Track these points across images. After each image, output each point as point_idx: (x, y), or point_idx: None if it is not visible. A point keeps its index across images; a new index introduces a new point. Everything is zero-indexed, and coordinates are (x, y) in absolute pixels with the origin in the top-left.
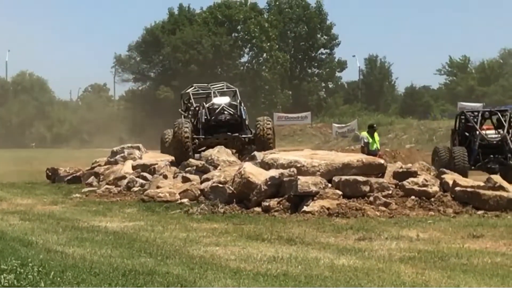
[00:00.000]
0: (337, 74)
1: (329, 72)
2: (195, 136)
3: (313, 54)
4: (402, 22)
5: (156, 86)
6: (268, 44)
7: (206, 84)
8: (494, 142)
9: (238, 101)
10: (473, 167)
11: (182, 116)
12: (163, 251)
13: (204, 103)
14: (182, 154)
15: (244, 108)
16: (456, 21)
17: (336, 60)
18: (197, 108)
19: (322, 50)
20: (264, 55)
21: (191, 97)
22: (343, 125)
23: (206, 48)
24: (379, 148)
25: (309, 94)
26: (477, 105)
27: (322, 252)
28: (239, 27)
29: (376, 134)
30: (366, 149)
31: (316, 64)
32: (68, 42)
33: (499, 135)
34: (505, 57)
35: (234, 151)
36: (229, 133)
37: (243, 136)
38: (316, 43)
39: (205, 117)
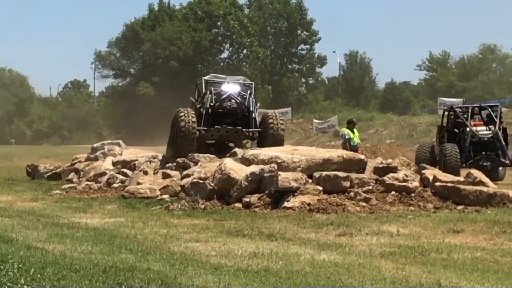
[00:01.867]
0: (318, 69)
1: (310, 68)
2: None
3: (293, 50)
4: (383, 18)
5: (136, 82)
6: (248, 40)
7: (224, 76)
8: (486, 139)
9: (249, 92)
10: (464, 165)
11: (192, 103)
12: (143, 247)
13: (212, 89)
14: (187, 147)
15: (254, 100)
16: (436, 17)
17: (316, 55)
18: (204, 95)
19: (302, 46)
20: (244, 51)
21: (202, 82)
22: (324, 120)
23: (186, 44)
24: (360, 143)
25: (290, 90)
26: (457, 101)
27: (303, 247)
28: (219, 23)
29: (355, 130)
30: (348, 145)
31: (296, 60)
32: (48, 38)
33: (491, 132)
34: (485, 53)
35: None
36: (231, 127)
37: (248, 130)
38: (296, 39)
39: (211, 103)
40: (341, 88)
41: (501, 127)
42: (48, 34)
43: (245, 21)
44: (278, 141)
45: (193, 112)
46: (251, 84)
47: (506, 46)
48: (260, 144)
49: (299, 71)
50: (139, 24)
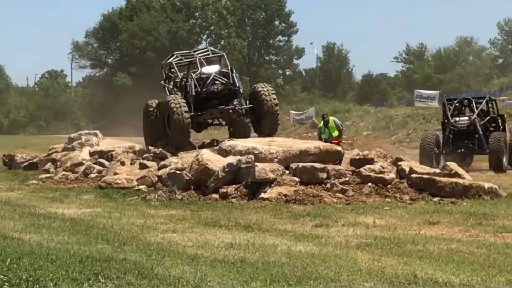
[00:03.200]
0: (295, 61)
1: (287, 59)
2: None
3: (271, 41)
4: (360, 10)
5: (114, 72)
6: (226, 31)
7: (188, 51)
8: (464, 128)
9: (229, 67)
10: (443, 152)
11: (167, 89)
12: (120, 237)
13: (192, 74)
14: (183, 137)
15: (237, 75)
16: (413, 9)
17: (293, 47)
18: (184, 80)
19: (280, 37)
20: (222, 42)
21: (174, 67)
22: (301, 112)
23: (163, 34)
24: (333, 135)
25: (267, 81)
26: (434, 93)
27: (279, 238)
28: (196, 14)
29: (331, 121)
30: (320, 138)
31: (273, 51)
32: (25, 28)
33: (468, 122)
34: (462, 45)
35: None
36: (223, 106)
37: (241, 107)
38: (274, 30)
39: (195, 89)
40: (319, 79)
41: (496, 117)
42: (25, 24)
43: (223, 12)
44: (274, 116)
45: (184, 101)
46: (222, 54)
47: (483, 39)
48: (255, 122)
49: (276, 63)
50: (117, 15)
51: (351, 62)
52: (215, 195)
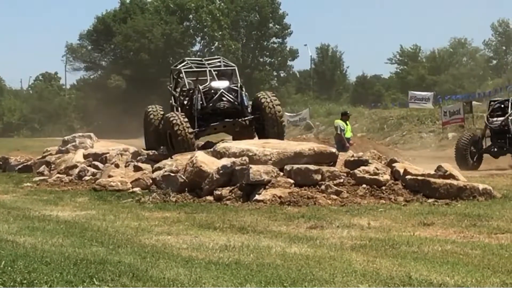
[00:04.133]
0: (289, 63)
1: (281, 61)
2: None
3: (265, 43)
4: (354, 12)
5: (108, 74)
6: (220, 33)
7: (200, 59)
8: (498, 127)
9: (239, 85)
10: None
11: (173, 97)
12: (114, 240)
13: (200, 86)
14: (188, 150)
15: (246, 94)
16: (407, 10)
17: (288, 49)
18: (190, 91)
19: (274, 39)
20: (216, 44)
21: (183, 74)
22: (295, 114)
23: (157, 36)
24: (351, 135)
25: (261, 83)
26: (428, 94)
27: (274, 240)
28: (190, 16)
29: (348, 122)
30: (343, 137)
31: (268, 53)
32: (18, 30)
33: (500, 121)
34: (455, 47)
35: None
36: (227, 120)
37: (243, 119)
38: (268, 32)
39: (201, 103)
40: (313, 81)
41: None
42: (19, 26)
43: (217, 14)
44: (278, 125)
45: (186, 120)
46: (234, 67)
47: (477, 40)
48: (260, 130)
49: (270, 65)
50: (111, 17)
51: (345, 63)
52: (210, 197)
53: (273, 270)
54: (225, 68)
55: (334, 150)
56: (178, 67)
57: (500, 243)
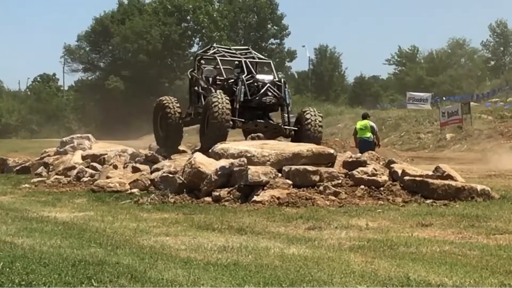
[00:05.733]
0: (287, 64)
1: (279, 62)
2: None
3: (263, 44)
4: (352, 12)
5: (106, 76)
6: (218, 34)
7: (228, 47)
8: None
9: (283, 80)
10: None
11: (200, 81)
12: (113, 241)
13: (243, 78)
14: (217, 138)
15: (289, 91)
16: (405, 11)
17: (286, 50)
18: (229, 82)
19: (272, 40)
20: (214, 45)
21: (219, 61)
22: (293, 115)
23: (156, 38)
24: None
25: None
26: (426, 95)
27: (272, 241)
28: (188, 17)
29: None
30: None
31: (266, 54)
32: (16, 31)
33: None
34: (454, 47)
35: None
36: (271, 121)
37: (287, 127)
38: (266, 33)
39: (245, 96)
40: (311, 82)
41: None
42: (17, 27)
43: (215, 15)
44: (315, 142)
45: (227, 100)
46: (269, 61)
47: (475, 41)
48: (295, 141)
49: (268, 65)
50: (109, 18)
51: (344, 64)
52: (208, 198)
53: (272, 271)
54: (259, 60)
55: (332, 151)
56: (209, 53)
57: (498, 244)
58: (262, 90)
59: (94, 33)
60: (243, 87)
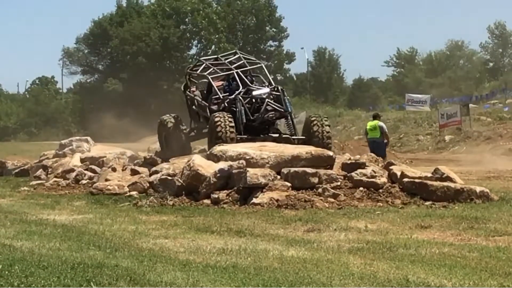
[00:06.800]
0: (286, 66)
1: (278, 64)
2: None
3: (261, 46)
4: (350, 14)
5: (105, 78)
6: (217, 36)
7: (214, 57)
8: None
9: (280, 89)
10: None
11: (196, 100)
12: (112, 244)
13: (241, 98)
14: None
15: (288, 98)
16: (404, 13)
17: (284, 52)
18: (227, 102)
19: (270, 42)
20: (213, 47)
21: (212, 81)
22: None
23: (154, 40)
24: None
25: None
26: (425, 97)
27: (271, 243)
28: (187, 19)
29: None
30: (387, 137)
31: (264, 56)
32: (15, 34)
33: None
34: (452, 49)
35: None
36: (277, 134)
37: (295, 138)
38: (264, 35)
39: (246, 116)
40: (310, 84)
41: None
42: (15, 30)
43: (214, 17)
44: (323, 146)
45: (230, 117)
46: (260, 64)
47: (473, 43)
48: None
49: (267, 68)
50: (107, 21)
51: (342, 66)
52: (207, 201)
53: (271, 273)
54: (251, 67)
55: (331, 153)
56: (198, 71)
57: (498, 246)
58: (262, 108)
59: (93, 36)
60: (242, 108)
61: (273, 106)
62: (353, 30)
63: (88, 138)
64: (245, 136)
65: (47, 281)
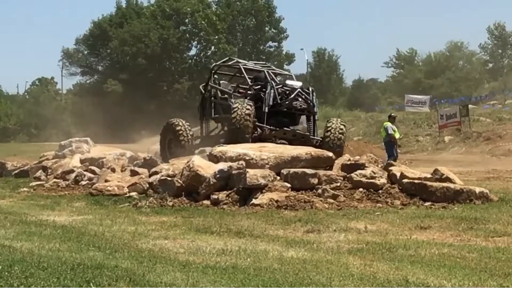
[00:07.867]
0: (285, 67)
1: (277, 65)
2: (258, 123)
3: (261, 47)
4: (350, 15)
5: (104, 79)
6: (216, 37)
7: (244, 60)
8: None
9: (311, 89)
10: None
11: (201, 94)
12: (111, 244)
13: (273, 84)
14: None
15: (317, 100)
16: (403, 14)
17: (284, 53)
18: (256, 88)
19: (270, 43)
20: (212, 48)
21: (243, 72)
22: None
23: (154, 41)
24: (399, 137)
25: None
26: (424, 97)
27: (271, 244)
28: (187, 20)
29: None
30: (394, 137)
31: (264, 57)
32: (14, 35)
33: None
34: (452, 50)
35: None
36: (299, 131)
37: (314, 138)
38: (264, 36)
39: (274, 100)
40: (309, 85)
41: None
42: (15, 31)
43: (213, 18)
44: (334, 152)
45: (249, 106)
46: (291, 74)
47: (473, 44)
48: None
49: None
50: (107, 22)
51: (342, 67)
52: (207, 202)
53: (270, 274)
54: (282, 72)
55: (331, 154)
56: (230, 64)
57: (497, 246)
58: (292, 95)
59: (93, 37)
60: (272, 91)
61: (304, 98)
62: (353, 31)
63: (88, 139)
64: (266, 127)
65: (46, 282)
